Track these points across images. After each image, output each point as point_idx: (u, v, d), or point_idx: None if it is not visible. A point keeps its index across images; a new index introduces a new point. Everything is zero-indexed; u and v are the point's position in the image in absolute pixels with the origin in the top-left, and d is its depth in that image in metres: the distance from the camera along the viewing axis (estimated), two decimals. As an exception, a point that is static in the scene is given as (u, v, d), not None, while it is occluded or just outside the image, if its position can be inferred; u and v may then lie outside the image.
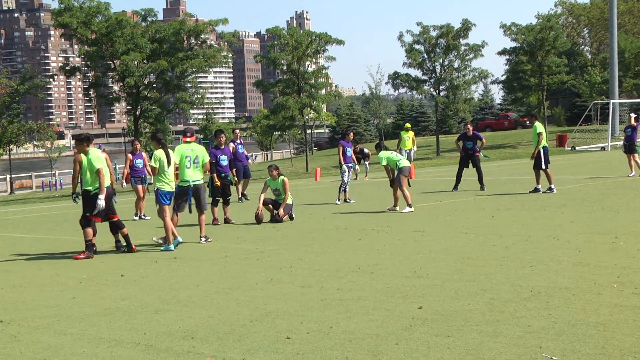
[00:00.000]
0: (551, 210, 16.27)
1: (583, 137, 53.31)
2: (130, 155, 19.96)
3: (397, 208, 18.05)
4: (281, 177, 17.26)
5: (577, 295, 7.98)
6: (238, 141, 23.27)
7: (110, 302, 9.04)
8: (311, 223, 16.46)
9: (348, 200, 20.60)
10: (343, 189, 20.77)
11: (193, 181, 14.08)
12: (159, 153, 13.74)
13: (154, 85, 42.41)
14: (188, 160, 14.09)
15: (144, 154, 20.27)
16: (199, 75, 49.44)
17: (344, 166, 20.70)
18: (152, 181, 20.12)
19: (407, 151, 33.52)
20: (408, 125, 35.81)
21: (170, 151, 13.92)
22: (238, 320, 7.69)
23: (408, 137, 34.06)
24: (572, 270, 9.38)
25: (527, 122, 22.63)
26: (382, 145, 18.61)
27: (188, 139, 14.28)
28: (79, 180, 13.29)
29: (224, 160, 17.80)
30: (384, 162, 18.20)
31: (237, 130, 23.88)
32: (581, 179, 24.32)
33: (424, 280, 9.20)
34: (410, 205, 17.64)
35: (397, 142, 34.98)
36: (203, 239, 14.16)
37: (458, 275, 9.39)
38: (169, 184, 13.76)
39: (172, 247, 13.41)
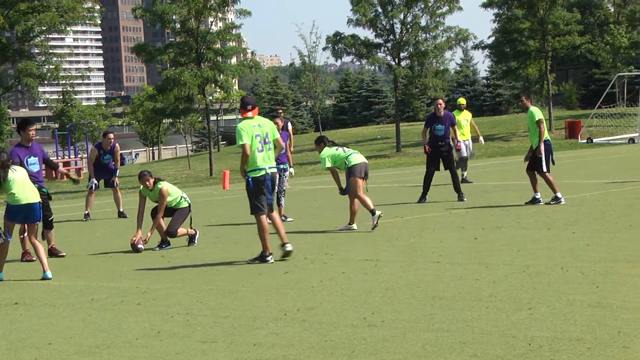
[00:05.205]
0: (558, 229, 16.49)
1: (603, 124, 53.98)
2: None
3: (355, 226, 18.06)
4: (158, 186, 17.04)
5: (594, 349, 8.10)
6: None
7: None
8: (217, 250, 16.40)
9: (284, 217, 20.55)
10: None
11: (269, 167, 14.70)
12: None
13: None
14: (259, 140, 14.62)
15: None
16: (51, 36, 48.91)
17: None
18: None
19: (466, 143, 28.38)
20: (462, 100, 29.82)
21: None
22: (109, 393, 7.65)
23: (466, 120, 28.81)
24: (588, 314, 9.52)
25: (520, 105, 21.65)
26: (325, 140, 18.60)
27: (250, 113, 14.80)
28: None
29: (35, 165, 16.49)
30: (328, 164, 18.17)
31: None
32: (601, 184, 24.67)
33: (378, 331, 9.25)
34: (373, 212, 17.68)
35: None
36: (288, 246, 14.84)
37: (426, 323, 9.46)
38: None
39: (2, 275, 14.39)
